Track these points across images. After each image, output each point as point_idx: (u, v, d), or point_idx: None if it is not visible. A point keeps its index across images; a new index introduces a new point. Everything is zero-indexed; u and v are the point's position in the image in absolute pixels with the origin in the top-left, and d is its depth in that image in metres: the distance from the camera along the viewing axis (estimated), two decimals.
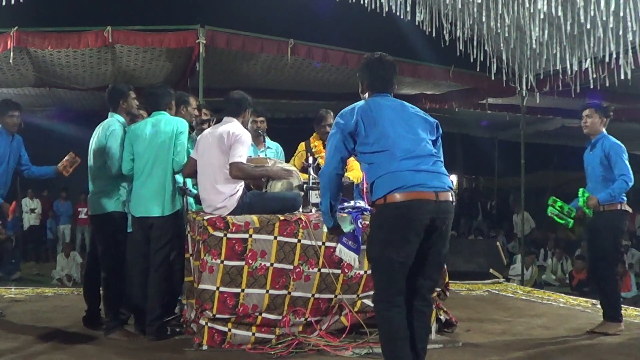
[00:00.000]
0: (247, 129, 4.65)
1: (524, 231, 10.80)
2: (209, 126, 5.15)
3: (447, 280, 4.70)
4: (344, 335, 4.33)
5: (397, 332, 3.01)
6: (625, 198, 4.99)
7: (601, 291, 5.14)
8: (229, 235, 4.19)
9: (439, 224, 3.05)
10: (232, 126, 4.41)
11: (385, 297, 3.05)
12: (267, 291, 4.25)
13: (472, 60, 7.58)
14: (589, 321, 5.28)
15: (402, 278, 3.03)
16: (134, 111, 4.97)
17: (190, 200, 5.09)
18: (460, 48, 7.35)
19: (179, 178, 4.81)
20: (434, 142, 3.22)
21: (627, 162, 4.92)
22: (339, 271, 4.38)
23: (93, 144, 4.84)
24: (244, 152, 4.35)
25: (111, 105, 4.90)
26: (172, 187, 4.63)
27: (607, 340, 4.73)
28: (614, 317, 4.94)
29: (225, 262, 4.17)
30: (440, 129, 3.29)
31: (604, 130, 5.14)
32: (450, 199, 3.08)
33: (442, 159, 3.24)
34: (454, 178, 19.50)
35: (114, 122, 4.81)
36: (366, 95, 3.31)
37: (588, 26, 6.14)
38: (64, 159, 5.32)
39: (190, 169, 4.59)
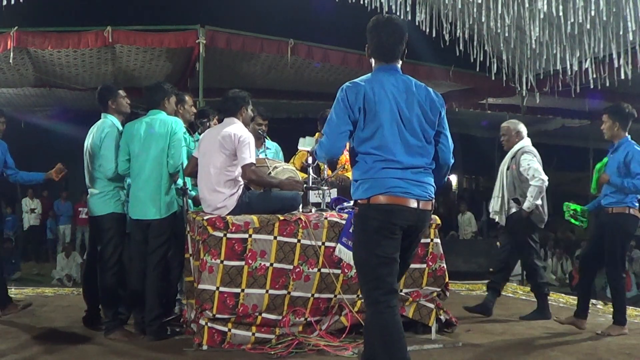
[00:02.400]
0: (247, 127, 4.64)
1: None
2: (208, 126, 5.16)
3: (447, 280, 4.70)
4: (344, 335, 4.32)
5: (392, 334, 2.96)
6: (637, 204, 4.96)
7: (590, 291, 5.24)
8: (229, 235, 4.19)
9: (416, 231, 3.10)
10: (234, 127, 4.40)
11: (377, 298, 2.99)
12: (267, 291, 4.25)
13: (472, 60, 7.59)
14: (589, 321, 5.27)
15: (391, 276, 3.01)
16: (125, 110, 4.91)
17: (190, 201, 5.08)
18: (460, 48, 7.36)
19: (180, 179, 4.81)
20: (436, 129, 3.11)
21: None
22: (338, 271, 4.38)
23: (88, 145, 4.82)
24: (252, 153, 4.35)
25: (101, 106, 4.89)
26: (169, 188, 4.62)
27: (607, 341, 4.73)
28: (620, 321, 4.94)
29: (225, 262, 4.17)
30: (444, 108, 3.16)
31: (625, 134, 5.02)
32: (430, 208, 3.10)
33: (448, 146, 3.17)
34: (453, 178, 19.50)
35: (108, 123, 4.78)
36: (372, 61, 3.17)
37: (588, 26, 6.15)
38: (53, 169, 5.34)
39: (192, 168, 4.58)
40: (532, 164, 5.48)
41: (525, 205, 5.42)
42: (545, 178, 5.43)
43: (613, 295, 5.11)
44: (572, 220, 5.19)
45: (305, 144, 4.70)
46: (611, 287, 5.11)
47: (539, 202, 5.49)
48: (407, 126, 3.02)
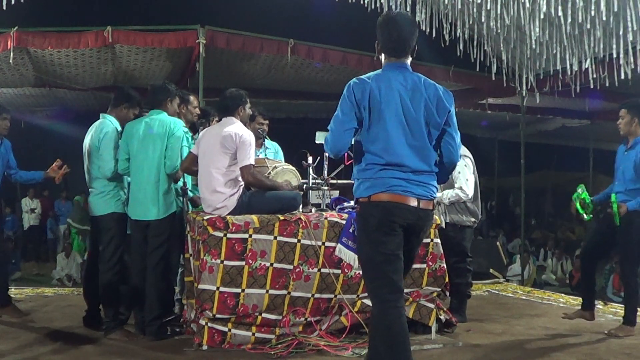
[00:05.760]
0: (246, 125, 4.64)
1: (526, 231, 10.78)
2: (209, 125, 5.16)
3: (447, 280, 4.70)
4: (344, 335, 4.33)
5: (397, 336, 2.95)
6: None
7: (594, 283, 5.23)
8: (229, 235, 4.19)
9: (417, 229, 3.09)
10: (235, 127, 4.40)
11: (383, 297, 3.00)
12: (267, 291, 4.25)
13: (472, 60, 7.58)
14: (589, 321, 5.27)
15: (395, 274, 3.00)
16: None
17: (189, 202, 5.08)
18: (460, 48, 7.35)
19: (180, 179, 4.80)
20: (443, 128, 3.08)
21: None
22: (339, 271, 4.38)
23: (87, 146, 4.83)
24: (251, 153, 4.35)
25: (112, 104, 4.90)
26: (167, 188, 4.61)
27: (608, 340, 4.73)
28: (630, 321, 4.92)
29: (225, 262, 4.17)
30: (453, 106, 3.14)
31: None
32: (431, 207, 3.10)
33: (455, 145, 3.14)
34: None
35: (106, 124, 4.79)
36: (382, 57, 3.15)
37: (588, 26, 6.14)
38: (53, 165, 5.35)
39: (189, 164, 4.55)
40: (463, 171, 5.20)
41: (438, 195, 5.08)
42: (470, 194, 5.22)
43: (626, 294, 5.09)
44: (578, 205, 5.11)
45: (321, 138, 4.68)
46: (625, 286, 5.11)
47: (469, 204, 5.33)
48: (412, 127, 3.01)
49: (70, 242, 11.48)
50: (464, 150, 5.28)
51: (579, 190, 5.15)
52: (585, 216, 5.12)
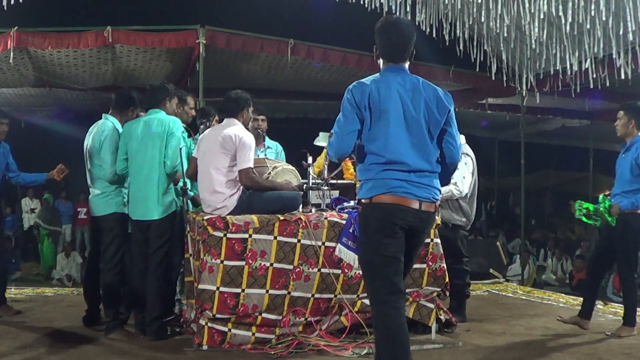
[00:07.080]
0: (247, 128, 4.64)
1: (526, 231, 10.77)
2: (209, 126, 5.16)
3: (447, 280, 4.70)
4: (344, 335, 4.33)
5: (397, 336, 2.95)
6: None
7: (597, 293, 5.20)
8: (229, 235, 4.18)
9: (418, 231, 3.10)
10: (235, 129, 4.39)
11: (383, 298, 3.00)
12: (267, 291, 4.25)
13: (472, 60, 7.59)
14: (583, 329, 5.26)
15: (395, 276, 3.00)
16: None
17: (189, 201, 5.08)
18: (460, 48, 7.36)
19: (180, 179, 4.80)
20: (443, 127, 3.08)
21: None
22: (339, 271, 4.38)
23: (88, 146, 4.82)
24: (251, 156, 4.34)
25: (117, 107, 4.90)
26: (167, 188, 4.60)
27: (608, 340, 4.74)
28: (630, 322, 4.92)
29: (225, 262, 4.17)
30: (452, 106, 3.15)
31: (639, 133, 4.94)
32: (433, 210, 3.10)
33: (456, 145, 3.14)
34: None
35: (108, 125, 4.78)
36: (380, 62, 3.17)
37: (588, 26, 6.15)
38: (55, 169, 5.36)
39: (194, 170, 4.55)
40: (461, 168, 5.10)
41: None
42: (464, 191, 5.22)
43: (624, 295, 5.10)
44: (584, 219, 5.11)
45: (320, 140, 4.68)
46: (623, 288, 5.11)
47: (462, 203, 5.31)
48: (412, 126, 3.02)
49: (38, 243, 11.48)
50: (466, 148, 5.30)
51: (578, 207, 5.13)
52: (597, 223, 5.09)
